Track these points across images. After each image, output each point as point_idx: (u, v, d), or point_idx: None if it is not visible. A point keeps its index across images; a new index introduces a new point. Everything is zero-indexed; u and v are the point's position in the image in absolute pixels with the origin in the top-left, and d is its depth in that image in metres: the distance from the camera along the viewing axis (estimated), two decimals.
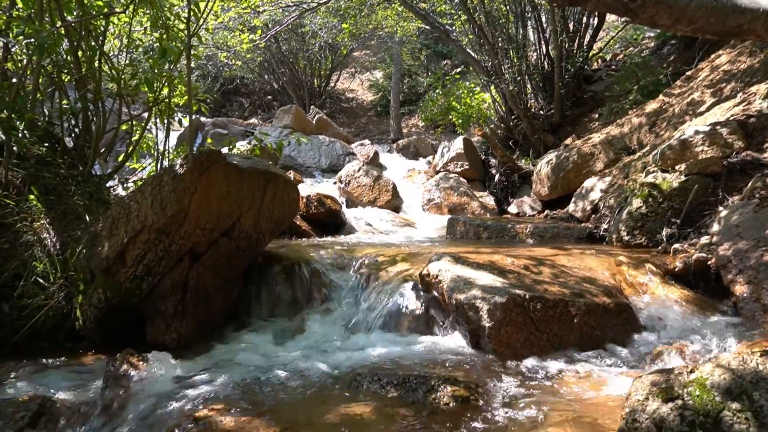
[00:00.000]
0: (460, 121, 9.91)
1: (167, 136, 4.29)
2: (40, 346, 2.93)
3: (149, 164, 4.39)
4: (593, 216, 5.04)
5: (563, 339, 2.57)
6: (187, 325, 2.89)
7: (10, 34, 3.11)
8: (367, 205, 6.86)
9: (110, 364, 2.28)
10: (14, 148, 3.25)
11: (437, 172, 8.18)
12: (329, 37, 12.51)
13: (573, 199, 5.49)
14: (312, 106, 12.26)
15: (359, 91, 16.09)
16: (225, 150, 4.23)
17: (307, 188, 7.22)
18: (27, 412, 2.02)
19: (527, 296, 2.59)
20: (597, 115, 7.89)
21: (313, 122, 10.51)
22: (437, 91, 9.55)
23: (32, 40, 2.83)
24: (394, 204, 7.04)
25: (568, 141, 7.10)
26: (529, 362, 2.39)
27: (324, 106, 14.25)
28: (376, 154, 9.52)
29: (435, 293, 2.88)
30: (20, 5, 3.30)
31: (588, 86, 8.87)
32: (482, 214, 6.87)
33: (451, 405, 1.96)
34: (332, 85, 15.13)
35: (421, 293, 2.97)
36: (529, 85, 8.25)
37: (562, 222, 5.30)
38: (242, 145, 5.26)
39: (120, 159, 4.19)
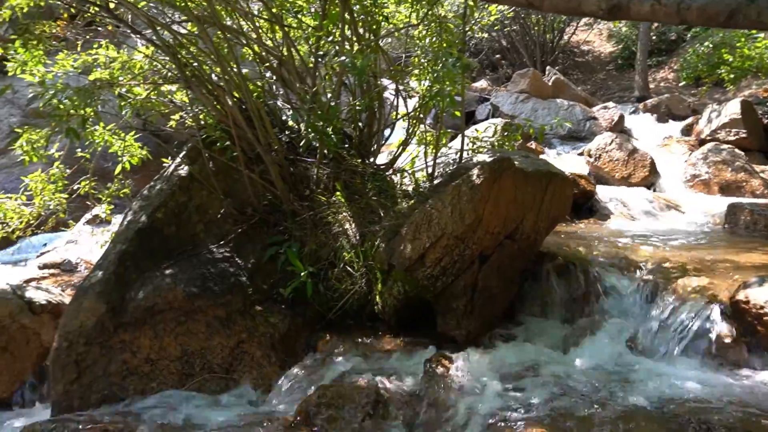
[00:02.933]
0: (732, 76, 8.43)
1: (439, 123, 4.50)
2: (347, 323, 3.44)
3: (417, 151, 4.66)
4: None
5: None
6: (474, 322, 3.08)
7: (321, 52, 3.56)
8: (619, 182, 6.37)
9: (428, 364, 2.57)
10: (325, 152, 3.77)
11: (701, 142, 7.17)
12: None
13: None
14: (548, 67, 11.65)
15: (596, 42, 14.75)
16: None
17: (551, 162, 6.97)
18: (368, 399, 2.40)
19: None
20: None
21: (550, 85, 10.01)
22: (705, 43, 8.24)
23: (344, 58, 3.16)
24: (650, 181, 6.41)
25: None
26: None
27: (556, 62, 13.43)
28: (621, 118, 8.69)
29: (757, 325, 2.56)
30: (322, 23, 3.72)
31: None
32: (766, 194, 5.86)
33: None
34: (566, 38, 14.12)
35: (730, 319, 2.68)
36: None
37: None
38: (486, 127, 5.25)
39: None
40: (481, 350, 2.91)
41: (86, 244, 5.73)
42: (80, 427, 2.55)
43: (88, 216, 6.35)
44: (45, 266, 4.93)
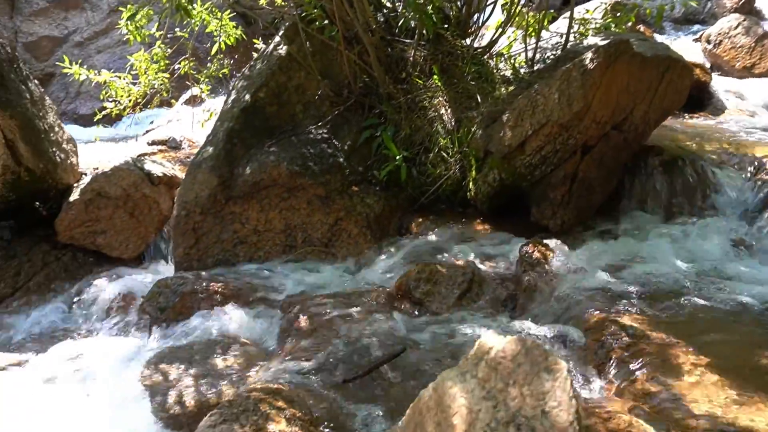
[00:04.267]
0: None
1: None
2: (439, 207, 3.51)
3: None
4: None
5: None
6: (570, 213, 3.05)
7: None
8: (739, 73, 5.73)
9: (523, 249, 2.61)
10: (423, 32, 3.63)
11: None
12: None
13: None
14: None
15: None
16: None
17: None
18: (464, 278, 2.51)
19: None
20: None
21: None
22: None
23: None
24: None
25: None
26: None
27: None
28: None
29: None
30: None
31: None
32: None
33: None
34: None
35: None
36: None
37: None
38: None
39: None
40: (576, 241, 2.91)
41: (186, 123, 6.05)
42: (204, 283, 2.88)
43: (186, 96, 6.63)
44: (153, 143, 5.29)
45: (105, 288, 3.29)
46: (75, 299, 3.34)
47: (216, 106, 6.17)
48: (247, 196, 3.21)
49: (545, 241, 2.65)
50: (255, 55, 5.52)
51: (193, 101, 6.57)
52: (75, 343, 2.93)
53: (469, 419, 0.80)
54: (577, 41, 3.76)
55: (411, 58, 3.72)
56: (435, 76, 3.60)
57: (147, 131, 6.10)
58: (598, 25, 3.90)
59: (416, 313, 2.40)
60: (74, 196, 3.60)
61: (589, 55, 2.70)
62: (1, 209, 3.56)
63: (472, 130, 3.34)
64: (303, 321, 2.46)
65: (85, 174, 4.08)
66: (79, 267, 3.52)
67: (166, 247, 3.80)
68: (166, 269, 3.61)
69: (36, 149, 3.55)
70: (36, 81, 3.97)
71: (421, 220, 3.37)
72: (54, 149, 3.73)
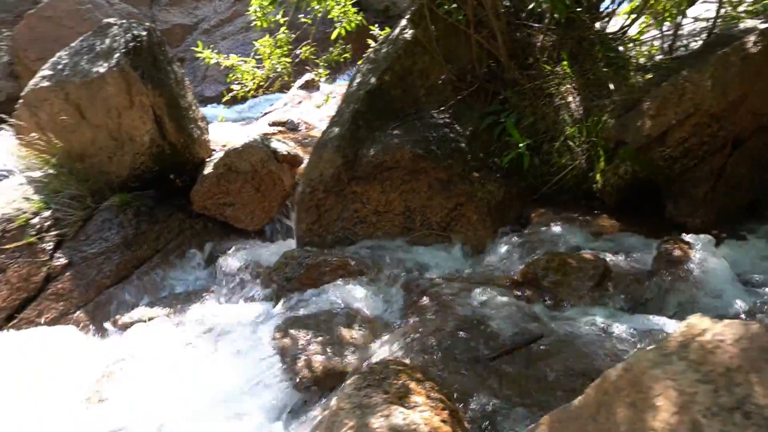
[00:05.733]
0: None
1: None
2: (561, 198, 3.39)
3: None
4: None
5: None
6: (712, 212, 2.83)
7: None
8: None
9: (662, 246, 2.46)
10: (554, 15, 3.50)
11: None
12: None
13: None
14: None
15: None
16: None
17: None
18: (596, 271, 2.41)
19: None
20: None
21: None
22: None
23: None
24: None
25: None
26: None
27: None
28: None
29: None
30: None
31: None
32: None
33: None
34: None
35: None
36: None
37: None
38: None
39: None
40: (717, 241, 2.69)
41: (302, 106, 6.30)
42: (327, 257, 2.99)
43: (302, 80, 6.90)
44: (273, 124, 5.56)
45: (233, 256, 3.52)
46: (206, 264, 3.61)
47: (330, 90, 6.38)
48: (369, 176, 3.28)
49: (687, 240, 2.48)
50: (369, 41, 5.64)
51: (309, 86, 6.83)
52: (206, 305, 3.17)
53: (680, 401, 0.76)
54: (726, 26, 3.45)
55: (539, 43, 3.60)
56: (564, 62, 3.46)
57: (265, 113, 6.42)
58: (751, 8, 3.55)
59: (546, 301, 2.33)
60: (208, 169, 3.87)
61: (751, 38, 2.46)
62: (145, 179, 3.91)
63: (603, 119, 3.19)
64: (426, 300, 2.48)
65: (215, 150, 4.38)
66: (209, 235, 3.78)
67: (286, 222, 4.00)
68: (286, 243, 3.79)
69: (178, 125, 3.85)
70: (178, 63, 4.30)
71: (542, 210, 3.28)
72: (192, 126, 4.03)
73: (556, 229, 3.04)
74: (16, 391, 2.72)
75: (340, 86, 6.37)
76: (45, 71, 3.71)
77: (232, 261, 3.48)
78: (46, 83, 3.68)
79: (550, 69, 3.48)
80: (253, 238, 3.80)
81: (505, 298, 2.34)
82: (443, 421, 1.49)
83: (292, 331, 2.50)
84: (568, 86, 3.47)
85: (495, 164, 3.39)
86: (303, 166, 4.12)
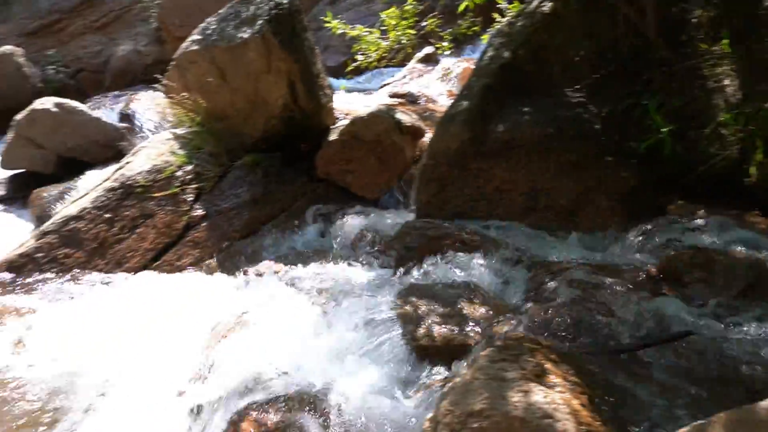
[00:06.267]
0: None
1: None
2: (704, 189, 3.11)
3: None
4: None
5: None
6: None
7: None
8: None
9: None
10: None
11: None
12: None
13: None
14: None
15: None
16: None
17: None
18: (749, 271, 2.20)
19: None
20: None
21: None
22: None
23: None
24: None
25: None
26: None
27: None
28: None
29: None
30: None
31: None
32: None
33: None
34: None
35: None
36: None
37: None
38: None
39: None
40: None
41: (421, 80, 6.29)
42: (449, 230, 3.00)
43: (421, 54, 6.88)
44: (393, 95, 5.61)
45: (352, 221, 3.64)
46: (326, 227, 3.76)
47: (450, 64, 6.30)
48: (495, 153, 3.22)
49: None
50: (495, 15, 5.46)
51: (428, 59, 6.79)
52: (325, 265, 3.30)
53: None
54: None
55: (695, 20, 3.29)
56: (724, 41, 3.14)
57: (383, 85, 6.49)
58: None
59: (688, 299, 2.18)
60: (333, 136, 4.00)
61: None
62: (274, 142, 4.13)
63: (766, 106, 2.87)
64: (552, 284, 2.42)
65: (338, 118, 4.51)
66: (330, 199, 3.92)
67: (403, 193, 4.05)
68: (402, 214, 3.84)
69: (309, 92, 4.01)
70: (310, 32, 4.44)
71: (681, 201, 3.04)
72: (320, 93, 4.17)
73: (698, 222, 2.82)
74: (152, 327, 3.03)
75: (461, 61, 6.27)
76: (195, 36, 3.99)
77: (351, 225, 3.60)
78: (195, 47, 3.97)
79: (706, 48, 3.18)
80: (371, 205, 3.88)
81: (640, 292, 2.22)
82: (582, 405, 1.45)
83: (412, 299, 2.55)
84: (726, 68, 3.15)
85: (631, 149, 3.18)
86: (425, 138, 4.13)
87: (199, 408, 2.34)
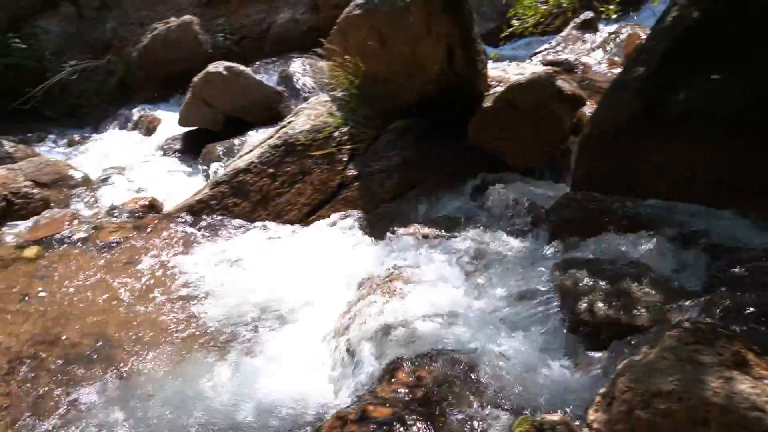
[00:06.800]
0: None
1: None
2: None
3: None
4: None
5: None
6: None
7: None
8: None
9: None
10: None
11: None
12: None
13: None
14: None
15: None
16: None
17: None
18: None
19: None
20: None
21: None
22: None
23: None
24: None
25: None
26: None
27: None
28: None
29: None
30: None
31: None
32: None
33: None
34: None
35: None
36: None
37: None
38: None
39: None
40: None
41: (577, 47, 5.91)
42: (612, 205, 2.82)
43: (577, 20, 6.45)
44: (548, 63, 5.34)
45: (503, 190, 3.56)
46: (475, 194, 3.72)
47: (611, 31, 5.84)
48: (672, 125, 2.93)
49: None
50: None
51: (586, 26, 6.35)
52: (476, 231, 3.27)
53: None
54: None
55: None
56: None
57: (535, 53, 6.21)
58: None
59: None
60: (487, 103, 3.90)
61: None
62: (426, 107, 4.13)
63: None
64: (741, 271, 2.17)
65: (490, 85, 4.39)
66: (480, 167, 3.86)
67: (557, 164, 3.86)
68: (555, 185, 3.68)
69: (466, 57, 3.94)
70: None
71: None
72: (477, 59, 4.08)
73: None
74: (309, 274, 3.23)
75: (625, 27, 5.76)
76: (358, 0, 4.09)
77: (502, 194, 3.52)
78: (357, 11, 4.07)
79: None
80: (523, 175, 3.76)
81: None
82: None
83: (572, 272, 2.45)
84: None
85: None
86: (585, 108, 3.89)
87: (354, 351, 2.48)
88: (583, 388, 2.00)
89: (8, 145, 5.79)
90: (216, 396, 2.42)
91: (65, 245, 3.62)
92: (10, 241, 3.75)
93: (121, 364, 2.63)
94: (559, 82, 3.76)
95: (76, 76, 7.75)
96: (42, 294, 3.16)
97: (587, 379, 2.04)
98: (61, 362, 2.68)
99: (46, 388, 2.53)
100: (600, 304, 2.25)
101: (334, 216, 3.74)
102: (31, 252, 3.58)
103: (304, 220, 3.81)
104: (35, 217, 4.11)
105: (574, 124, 3.78)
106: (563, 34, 6.38)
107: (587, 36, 6.03)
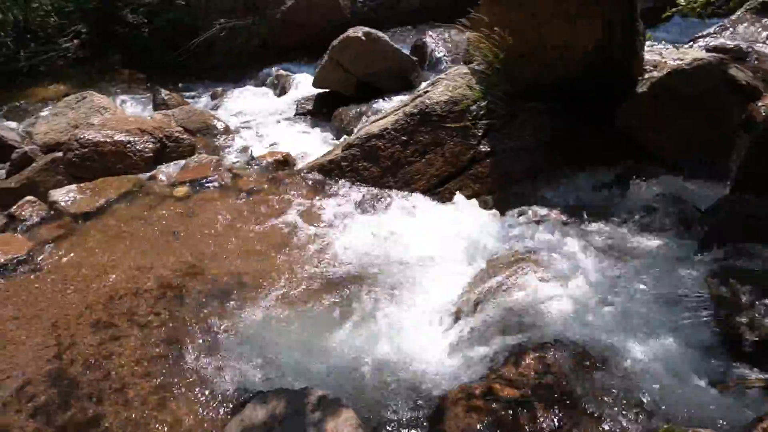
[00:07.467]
0: None
1: None
2: None
3: None
4: None
5: None
6: None
7: None
8: None
9: None
10: None
11: None
12: None
13: None
14: None
15: None
16: None
17: None
18: None
19: None
20: None
21: None
22: None
23: None
24: None
25: None
26: None
27: None
28: None
29: None
30: None
31: None
32: None
33: None
34: None
35: None
36: None
37: None
38: None
39: None
40: None
41: (748, 32, 5.24)
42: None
43: (754, 2, 5.69)
44: (713, 50, 4.79)
45: (648, 184, 3.31)
46: (618, 185, 3.45)
47: None
48: None
49: None
50: None
51: (765, 9, 5.60)
52: (614, 225, 3.07)
53: None
54: None
55: None
56: None
57: (695, 37, 5.59)
58: None
59: None
60: (642, 88, 3.60)
61: None
62: (570, 89, 3.88)
63: None
64: None
65: (645, 70, 4.02)
66: (625, 157, 3.57)
67: (714, 161, 3.48)
68: (707, 184, 3.32)
69: (625, 38, 3.63)
70: None
71: None
72: (636, 39, 3.75)
73: None
74: (434, 246, 3.20)
75: None
76: None
77: (648, 188, 3.27)
78: None
79: None
80: (673, 170, 3.43)
81: None
82: None
83: (732, 282, 2.22)
84: None
85: None
86: (758, 102, 3.45)
87: (477, 328, 2.44)
88: (735, 410, 1.83)
89: (164, 93, 6.35)
90: (338, 350, 2.52)
91: (210, 189, 3.93)
92: (164, 180, 4.12)
93: (255, 305, 2.82)
94: (732, 71, 3.36)
95: (224, 34, 8.25)
96: (189, 231, 3.45)
97: (740, 401, 1.86)
98: (202, 295, 2.93)
99: (189, 315, 2.79)
100: (766, 320, 2.02)
101: (463, 190, 3.69)
102: (181, 192, 3.93)
103: (432, 191, 3.80)
104: (184, 161, 4.48)
105: (745, 117, 3.36)
106: (733, 17, 5.67)
107: (765, 21, 5.31)
